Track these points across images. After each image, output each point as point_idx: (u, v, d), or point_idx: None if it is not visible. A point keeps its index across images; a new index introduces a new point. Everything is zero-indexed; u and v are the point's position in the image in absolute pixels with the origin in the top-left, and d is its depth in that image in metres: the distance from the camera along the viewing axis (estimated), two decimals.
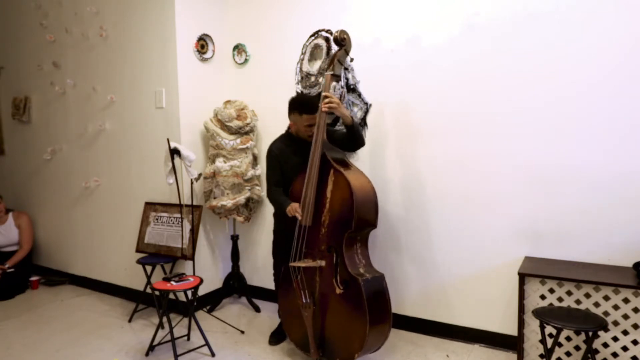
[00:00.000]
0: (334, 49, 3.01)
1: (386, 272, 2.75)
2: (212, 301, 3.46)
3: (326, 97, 2.45)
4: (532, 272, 2.30)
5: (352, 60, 2.70)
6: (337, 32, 2.52)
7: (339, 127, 2.88)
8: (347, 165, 2.51)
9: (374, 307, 2.30)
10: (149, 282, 3.22)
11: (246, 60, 3.52)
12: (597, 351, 2.19)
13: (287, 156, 2.66)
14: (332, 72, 2.53)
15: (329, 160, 2.44)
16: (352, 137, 2.60)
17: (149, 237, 3.39)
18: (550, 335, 2.23)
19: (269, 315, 3.29)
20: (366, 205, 2.41)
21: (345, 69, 2.55)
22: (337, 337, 2.39)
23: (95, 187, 3.85)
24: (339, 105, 2.47)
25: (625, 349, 2.15)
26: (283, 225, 2.68)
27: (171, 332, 2.62)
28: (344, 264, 2.36)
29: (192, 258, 3.14)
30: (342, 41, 2.52)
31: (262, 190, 3.42)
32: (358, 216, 2.34)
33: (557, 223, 2.49)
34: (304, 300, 2.46)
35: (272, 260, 2.88)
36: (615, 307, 2.16)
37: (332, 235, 2.42)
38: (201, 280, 2.74)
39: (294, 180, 2.61)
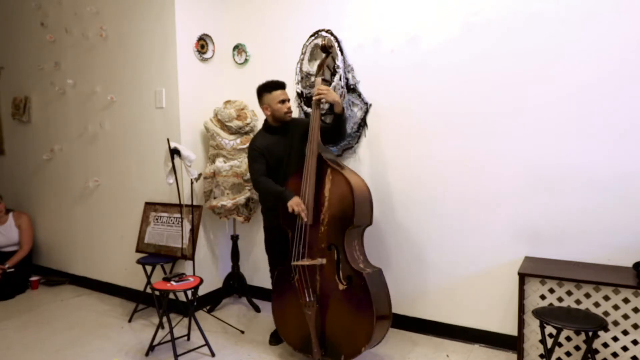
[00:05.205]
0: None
1: (387, 272, 2.76)
2: (212, 301, 3.46)
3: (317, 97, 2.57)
4: (532, 272, 2.30)
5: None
6: (323, 40, 2.72)
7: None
8: (342, 165, 2.57)
9: (378, 300, 2.35)
10: (149, 282, 3.22)
11: (246, 60, 3.52)
12: (597, 351, 2.19)
13: (269, 150, 2.67)
14: (322, 77, 2.66)
15: (325, 161, 2.49)
16: (338, 126, 2.66)
17: (149, 237, 3.39)
18: (550, 335, 2.23)
19: (269, 315, 3.27)
20: (364, 202, 2.47)
21: (341, 72, 2.67)
22: (341, 333, 2.40)
23: (95, 187, 3.85)
24: (328, 91, 2.56)
25: (625, 349, 2.15)
26: (276, 222, 2.67)
27: (171, 332, 2.63)
28: (346, 260, 2.39)
29: (192, 258, 3.14)
30: (330, 48, 2.70)
31: None
32: (358, 212, 2.39)
33: (557, 223, 2.49)
34: (307, 299, 2.46)
35: (268, 259, 2.87)
36: (615, 307, 2.15)
37: (332, 233, 2.44)
38: (201, 280, 2.74)
39: (287, 182, 2.61)
